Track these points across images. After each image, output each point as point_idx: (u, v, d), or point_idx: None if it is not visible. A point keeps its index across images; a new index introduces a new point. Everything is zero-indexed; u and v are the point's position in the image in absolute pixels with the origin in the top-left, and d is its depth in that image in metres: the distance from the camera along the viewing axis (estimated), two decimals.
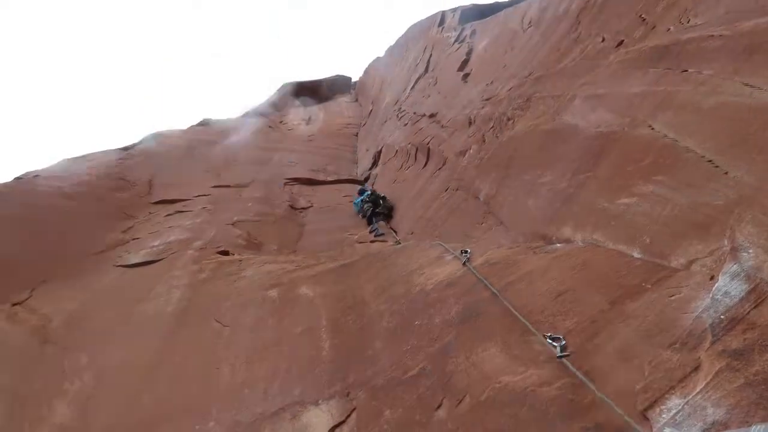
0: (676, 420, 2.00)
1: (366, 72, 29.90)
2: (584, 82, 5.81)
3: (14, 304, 6.80)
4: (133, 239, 9.09)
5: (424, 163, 10.96)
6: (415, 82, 17.97)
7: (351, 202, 12.15)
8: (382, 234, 9.62)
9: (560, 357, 2.65)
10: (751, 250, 2.38)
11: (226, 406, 4.07)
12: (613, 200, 3.84)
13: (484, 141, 8.01)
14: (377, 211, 10.49)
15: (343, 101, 29.11)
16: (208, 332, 5.25)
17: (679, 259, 2.88)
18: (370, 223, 10.34)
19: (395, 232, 9.58)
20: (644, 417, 2.13)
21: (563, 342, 2.77)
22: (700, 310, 2.35)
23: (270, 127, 22.04)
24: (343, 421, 3.46)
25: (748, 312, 2.13)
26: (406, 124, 14.79)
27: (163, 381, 4.72)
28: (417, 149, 11.82)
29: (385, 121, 17.82)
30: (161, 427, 4.13)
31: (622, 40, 6.16)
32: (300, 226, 10.43)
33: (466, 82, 13.18)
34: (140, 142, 17.06)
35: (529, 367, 2.83)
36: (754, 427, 1.53)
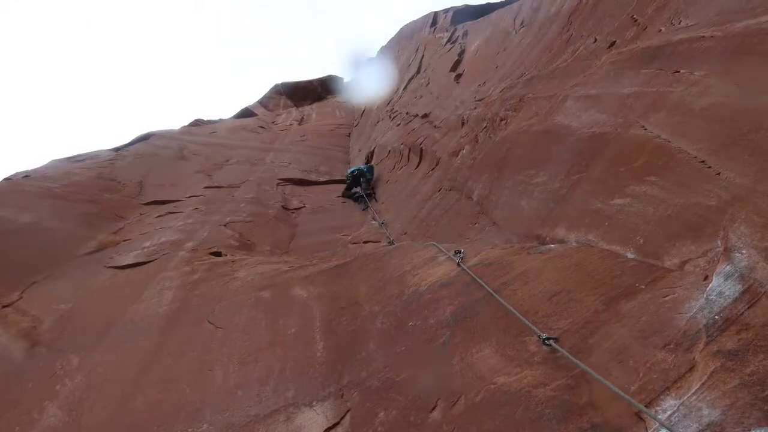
0: (671, 421, 2.01)
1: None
2: (576, 83, 5.84)
3: (4, 306, 6.73)
4: (124, 240, 9.01)
5: (416, 163, 10.97)
6: (408, 83, 18.01)
7: (344, 202, 12.24)
8: (364, 202, 11.43)
9: (546, 342, 2.65)
10: (744, 251, 2.40)
11: (219, 408, 4.04)
12: (607, 201, 3.85)
13: (477, 141, 8.02)
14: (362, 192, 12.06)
15: (335, 101, 29.04)
16: (201, 334, 5.21)
17: (673, 260, 2.89)
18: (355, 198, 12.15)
19: (379, 219, 10.01)
20: (639, 418, 2.14)
21: (556, 337, 2.78)
22: (695, 310, 2.36)
23: (262, 127, 21.98)
24: (338, 423, 3.45)
25: (742, 312, 2.14)
26: (398, 125, 14.80)
27: (156, 383, 4.68)
28: (410, 149, 11.83)
29: (378, 122, 17.83)
30: (154, 429, 4.09)
31: (614, 41, 6.19)
32: (293, 227, 10.39)
33: (459, 82, 13.22)
34: (131, 143, 16.95)
35: (524, 368, 2.83)
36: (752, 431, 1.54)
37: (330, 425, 3.45)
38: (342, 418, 3.46)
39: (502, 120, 7.43)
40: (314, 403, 3.69)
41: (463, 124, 9.48)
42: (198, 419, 4.00)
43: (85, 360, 5.34)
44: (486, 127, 7.95)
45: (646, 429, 2.08)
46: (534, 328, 3.01)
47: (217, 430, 3.83)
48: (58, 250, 8.31)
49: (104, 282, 7.34)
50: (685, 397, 2.04)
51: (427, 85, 15.70)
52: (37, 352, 5.77)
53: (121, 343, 5.50)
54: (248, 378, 4.28)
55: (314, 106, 28.14)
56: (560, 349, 2.70)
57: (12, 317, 6.49)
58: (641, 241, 3.24)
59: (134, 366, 5.03)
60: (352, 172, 12.82)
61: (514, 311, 3.24)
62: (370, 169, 12.95)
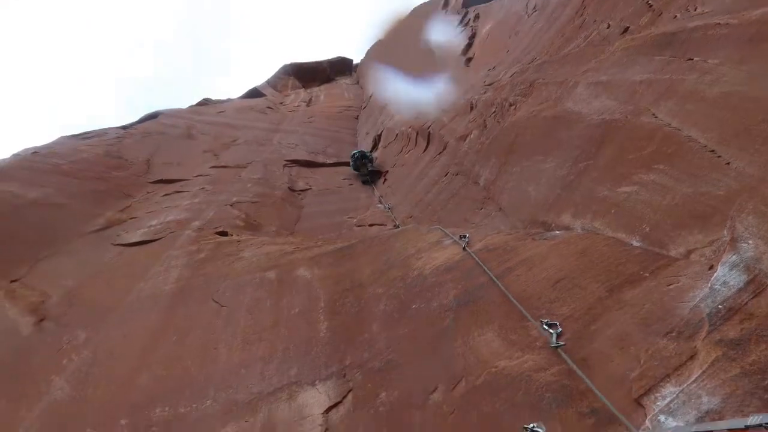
0: (670, 408, 2.02)
1: (368, 54, 29.62)
2: (588, 69, 5.77)
3: (12, 281, 6.81)
4: (131, 218, 9.07)
5: (424, 147, 10.93)
6: None
7: (351, 185, 12.32)
8: (369, 181, 12.39)
9: (556, 347, 2.65)
10: (750, 241, 2.38)
11: (223, 386, 4.09)
12: (614, 188, 3.83)
13: (485, 126, 7.97)
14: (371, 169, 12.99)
15: (344, 83, 28.87)
16: (206, 312, 5.26)
17: (679, 249, 2.88)
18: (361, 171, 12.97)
19: (385, 203, 10.24)
20: (639, 404, 2.14)
21: (559, 330, 2.78)
22: (698, 299, 2.36)
23: (270, 108, 21.90)
24: (339, 402, 3.49)
25: (746, 302, 2.13)
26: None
27: (161, 359, 4.74)
28: (417, 133, 11.77)
29: (386, 105, 17.72)
30: (158, 405, 4.15)
31: (628, 27, 6.11)
32: (299, 208, 10.41)
33: (469, 66, 13.10)
34: (139, 121, 16.96)
35: (525, 352, 2.84)
36: (751, 417, 1.54)
37: (332, 404, 3.50)
38: (344, 397, 3.50)
39: (511, 105, 7.36)
40: (317, 382, 3.73)
41: (471, 108, 9.41)
42: (202, 396, 4.06)
43: (92, 335, 5.40)
44: (495, 111, 7.89)
45: (645, 415, 2.09)
46: (529, 316, 3.02)
47: (221, 406, 3.89)
48: (65, 226, 8.37)
49: (111, 259, 7.40)
50: (685, 385, 2.05)
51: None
52: (44, 326, 5.84)
53: (127, 319, 5.56)
54: (252, 356, 4.33)
55: (323, 87, 27.98)
56: (554, 342, 2.72)
57: (20, 292, 6.57)
58: (647, 229, 3.23)
59: (140, 342, 5.08)
60: (354, 154, 13.44)
61: (513, 299, 3.25)
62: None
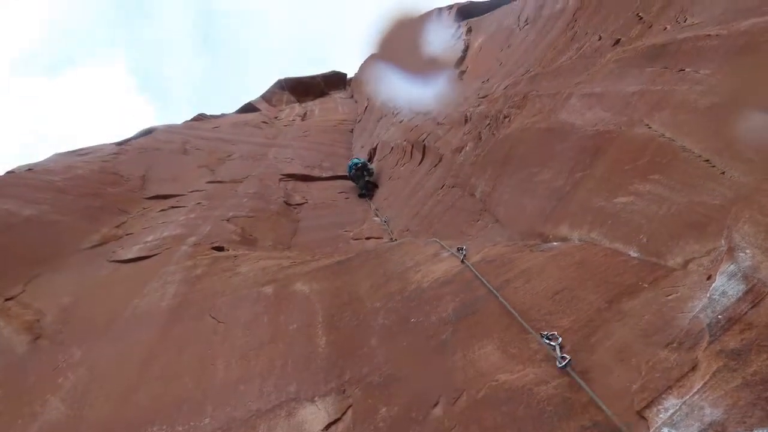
0: (673, 420, 2.01)
1: (361, 68, 29.80)
2: (581, 81, 5.82)
3: (7, 299, 6.75)
4: (127, 234, 9.04)
5: (419, 160, 10.97)
6: None
7: (347, 198, 12.33)
8: (365, 195, 12.42)
9: (564, 366, 2.60)
10: (748, 250, 2.39)
11: (221, 403, 4.06)
12: (610, 199, 3.85)
13: (480, 138, 8.01)
14: (368, 180, 12.99)
15: (338, 97, 29.02)
16: (203, 328, 5.23)
17: (676, 259, 2.88)
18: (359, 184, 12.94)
19: (382, 216, 10.27)
20: (641, 417, 2.13)
21: (560, 340, 2.77)
22: (697, 309, 2.36)
23: (265, 122, 21.96)
24: (339, 419, 3.45)
25: (746, 312, 2.13)
26: (401, 121, 14.77)
27: (158, 376, 4.69)
28: (413, 146, 11.82)
29: (381, 118, 17.80)
30: (156, 423, 4.10)
31: (619, 39, 6.17)
32: (295, 222, 10.41)
33: (462, 79, 13.20)
34: (134, 137, 16.97)
35: (526, 365, 2.83)
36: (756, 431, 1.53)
37: (331, 420, 3.46)
38: (343, 413, 3.47)
39: (505, 117, 7.41)
40: (316, 398, 3.70)
41: (466, 120, 9.46)
42: (200, 413, 4.02)
43: (88, 353, 5.35)
44: (489, 124, 7.94)
45: (648, 427, 2.08)
46: (530, 328, 3.01)
47: (219, 424, 3.84)
48: (60, 243, 8.33)
49: (107, 276, 7.36)
50: (687, 397, 2.04)
51: None
52: (39, 345, 5.79)
53: (123, 336, 5.52)
54: (250, 373, 4.30)
55: (317, 101, 28.12)
56: (555, 353, 2.70)
57: (15, 310, 6.51)
58: (644, 239, 3.24)
59: (136, 360, 5.04)
60: (356, 164, 13.25)
61: (513, 312, 3.25)
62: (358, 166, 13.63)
